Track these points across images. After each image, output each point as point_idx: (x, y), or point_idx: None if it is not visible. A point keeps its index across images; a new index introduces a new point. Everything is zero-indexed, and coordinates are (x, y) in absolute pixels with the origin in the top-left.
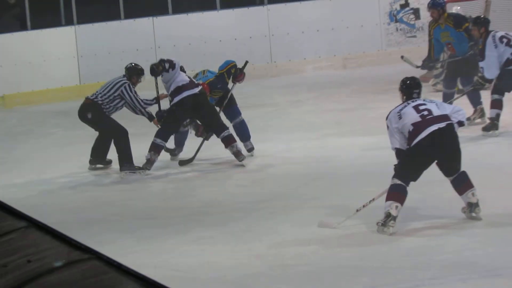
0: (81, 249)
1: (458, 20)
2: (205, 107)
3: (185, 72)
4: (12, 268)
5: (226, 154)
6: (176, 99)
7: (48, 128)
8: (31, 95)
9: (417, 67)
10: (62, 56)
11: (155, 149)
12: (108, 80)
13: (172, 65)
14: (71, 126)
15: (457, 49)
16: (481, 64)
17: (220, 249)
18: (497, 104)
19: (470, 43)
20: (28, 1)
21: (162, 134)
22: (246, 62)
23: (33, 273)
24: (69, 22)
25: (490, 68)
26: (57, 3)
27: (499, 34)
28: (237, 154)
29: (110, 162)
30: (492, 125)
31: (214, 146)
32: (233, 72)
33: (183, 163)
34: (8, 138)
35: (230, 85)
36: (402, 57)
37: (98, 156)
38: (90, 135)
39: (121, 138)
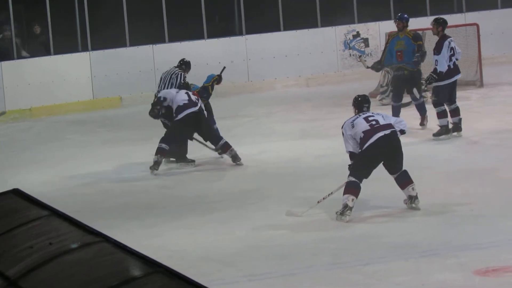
0: (93, 233)
1: (416, 36)
2: (204, 122)
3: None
4: (37, 249)
5: (211, 156)
6: (180, 116)
7: (66, 134)
8: (54, 107)
9: (367, 67)
10: (78, 76)
11: (160, 152)
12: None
13: (163, 100)
14: (85, 133)
15: (404, 57)
16: (435, 57)
17: (207, 233)
18: (443, 114)
19: (416, 54)
20: (51, 31)
21: (166, 140)
22: (224, 68)
23: (54, 253)
24: (85, 49)
25: (443, 62)
26: (75, 33)
27: (453, 44)
28: (235, 157)
29: (193, 161)
30: (446, 130)
31: (203, 150)
32: (215, 84)
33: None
34: (34, 142)
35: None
36: (359, 56)
37: (181, 155)
38: (99, 139)
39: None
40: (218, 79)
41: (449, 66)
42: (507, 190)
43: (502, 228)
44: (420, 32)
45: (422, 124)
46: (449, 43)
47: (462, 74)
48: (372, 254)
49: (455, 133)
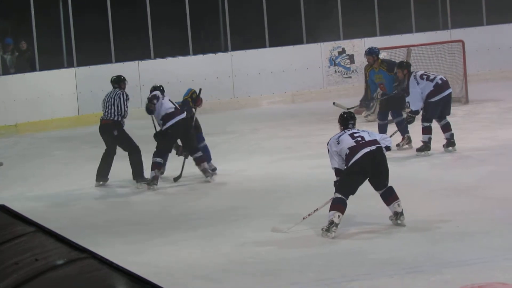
0: (79, 249)
1: (391, 65)
2: (189, 130)
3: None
4: (23, 265)
5: (199, 174)
6: (170, 123)
7: (52, 150)
8: (39, 123)
9: (348, 109)
10: (64, 92)
11: (157, 166)
12: (104, 97)
13: (157, 98)
14: (71, 149)
15: (387, 88)
16: (407, 99)
17: (193, 250)
18: (427, 130)
19: (394, 84)
20: (37, 47)
21: (159, 153)
22: (200, 89)
23: (40, 270)
24: (70, 65)
25: (415, 102)
26: (60, 49)
27: (419, 73)
28: (205, 171)
29: (107, 179)
30: (425, 147)
31: (188, 168)
32: (194, 96)
33: (176, 179)
34: (20, 158)
35: (193, 108)
36: (333, 103)
37: (103, 175)
38: (84, 156)
39: (136, 155)
40: (196, 97)
41: (436, 83)
42: (492, 207)
43: (487, 245)
44: (406, 48)
45: (399, 145)
46: (414, 77)
47: None
48: (357, 270)
49: (450, 148)
